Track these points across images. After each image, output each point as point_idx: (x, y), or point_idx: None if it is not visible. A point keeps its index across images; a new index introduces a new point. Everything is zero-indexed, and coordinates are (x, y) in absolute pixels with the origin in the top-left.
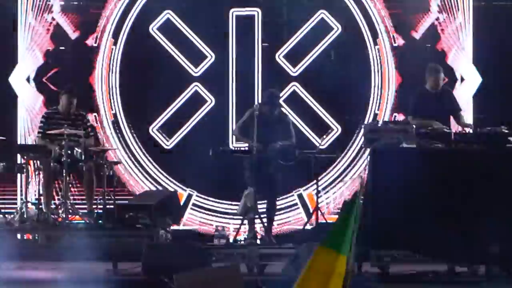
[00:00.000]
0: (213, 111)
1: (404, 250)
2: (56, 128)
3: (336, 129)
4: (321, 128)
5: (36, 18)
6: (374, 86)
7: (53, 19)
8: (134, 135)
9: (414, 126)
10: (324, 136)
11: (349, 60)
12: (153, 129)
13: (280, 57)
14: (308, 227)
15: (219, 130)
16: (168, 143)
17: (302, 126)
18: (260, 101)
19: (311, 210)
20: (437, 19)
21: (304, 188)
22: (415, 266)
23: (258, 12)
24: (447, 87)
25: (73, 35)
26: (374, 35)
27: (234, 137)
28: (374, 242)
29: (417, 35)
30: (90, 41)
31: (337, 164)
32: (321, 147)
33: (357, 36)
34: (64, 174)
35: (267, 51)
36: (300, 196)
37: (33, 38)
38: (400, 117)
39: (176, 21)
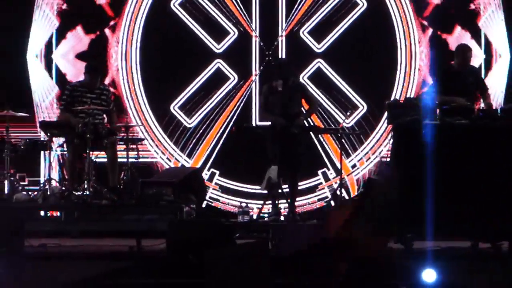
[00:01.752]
0: (236, 88)
1: (427, 227)
2: (80, 102)
3: (362, 107)
4: (347, 106)
5: None
6: (400, 63)
7: None
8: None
9: (440, 104)
10: (348, 113)
11: (375, 36)
12: (175, 107)
13: (304, 33)
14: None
15: (242, 107)
16: (190, 121)
17: (327, 104)
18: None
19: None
20: None
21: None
22: (439, 243)
23: None
24: (474, 67)
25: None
26: (399, 11)
27: (260, 117)
28: (398, 218)
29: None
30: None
31: (364, 143)
32: (345, 124)
33: (382, 11)
34: (88, 151)
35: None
36: (324, 174)
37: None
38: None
39: None
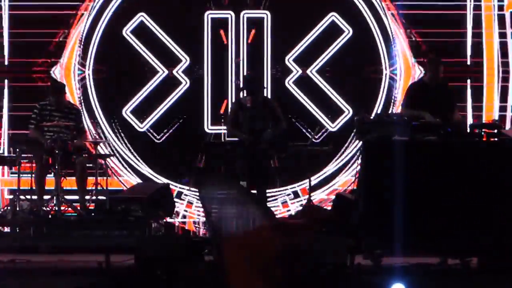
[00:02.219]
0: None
1: (396, 243)
2: (48, 120)
3: (348, 112)
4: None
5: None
6: (383, 89)
7: None
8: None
9: (406, 118)
10: (317, 129)
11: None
12: (126, 112)
13: (289, 60)
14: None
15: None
16: (142, 126)
17: (313, 109)
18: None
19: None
20: None
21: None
22: (407, 259)
23: (267, 15)
24: (447, 80)
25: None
26: (386, 36)
27: (227, 134)
28: (367, 235)
29: None
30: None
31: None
32: (314, 140)
33: (368, 39)
34: (56, 167)
35: (276, 54)
36: (295, 193)
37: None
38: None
39: (150, 24)
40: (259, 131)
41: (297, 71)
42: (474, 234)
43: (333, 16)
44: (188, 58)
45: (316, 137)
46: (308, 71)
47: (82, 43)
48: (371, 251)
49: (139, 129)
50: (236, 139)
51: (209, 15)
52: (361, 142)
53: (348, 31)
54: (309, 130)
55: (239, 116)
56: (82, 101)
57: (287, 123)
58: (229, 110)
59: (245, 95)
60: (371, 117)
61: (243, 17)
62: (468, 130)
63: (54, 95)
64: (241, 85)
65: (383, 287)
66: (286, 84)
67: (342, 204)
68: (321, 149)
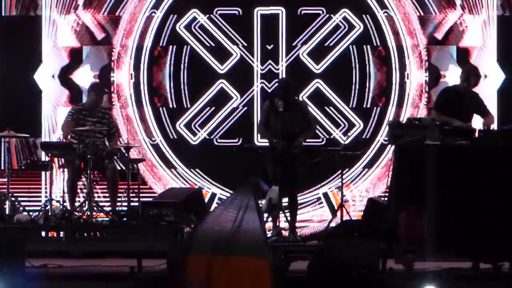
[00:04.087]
0: (238, 107)
1: (429, 247)
2: (81, 125)
3: (359, 125)
4: (345, 125)
5: (61, 14)
6: (395, 83)
7: (78, 17)
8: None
9: (437, 122)
10: (349, 133)
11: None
12: (180, 125)
13: (303, 54)
14: (333, 224)
15: (245, 126)
16: (194, 139)
17: (327, 123)
18: (274, 95)
19: (335, 207)
20: (461, 16)
21: (329, 186)
22: (439, 263)
23: (282, 11)
24: (476, 92)
25: (99, 35)
26: (396, 34)
27: (259, 135)
28: (399, 239)
29: (439, 34)
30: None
31: (361, 161)
32: (345, 143)
33: (379, 34)
34: (88, 172)
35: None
36: (325, 195)
37: (58, 36)
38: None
39: (202, 19)
40: (292, 135)
41: (312, 87)
42: (506, 239)
43: (345, 12)
44: (238, 52)
45: (348, 141)
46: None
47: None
48: (403, 255)
49: (192, 142)
50: (267, 143)
51: (258, 10)
52: (393, 146)
53: (359, 27)
54: (342, 133)
55: (270, 117)
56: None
57: (316, 126)
58: (261, 110)
59: (278, 97)
60: (403, 121)
61: (257, 13)
62: (499, 135)
63: (94, 93)
64: (275, 89)
65: None
66: (297, 98)
67: (374, 209)
68: (354, 153)
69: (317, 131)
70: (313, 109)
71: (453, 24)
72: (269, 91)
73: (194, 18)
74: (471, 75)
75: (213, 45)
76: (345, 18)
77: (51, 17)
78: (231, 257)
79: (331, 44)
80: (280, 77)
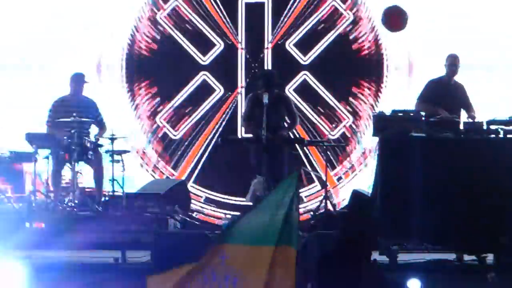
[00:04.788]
0: (221, 100)
1: (413, 239)
2: (65, 116)
3: (347, 119)
4: (332, 118)
5: None
6: (386, 75)
7: None
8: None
9: (423, 114)
10: (334, 125)
11: (360, 48)
12: (160, 119)
13: (290, 45)
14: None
15: (228, 119)
16: (175, 134)
17: (313, 116)
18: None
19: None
20: None
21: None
22: (423, 255)
23: (268, 0)
24: (460, 82)
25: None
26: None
27: (243, 129)
28: (383, 231)
29: None
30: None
31: (349, 154)
32: (330, 136)
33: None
34: (73, 163)
35: (277, 39)
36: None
37: None
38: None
39: (184, 8)
40: (275, 127)
41: (299, 79)
42: (490, 231)
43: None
44: (222, 43)
45: (333, 133)
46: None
47: None
48: (387, 247)
49: (173, 137)
50: (251, 135)
51: (243, 0)
52: (377, 138)
53: (348, 16)
54: (326, 125)
55: (255, 110)
56: None
57: (300, 119)
58: (245, 104)
59: (262, 90)
60: (388, 113)
61: (241, 2)
62: (485, 127)
63: (75, 83)
64: (259, 81)
65: (399, 283)
66: (287, 91)
67: (358, 200)
68: (338, 145)
69: (305, 124)
70: (300, 102)
71: None
72: (254, 83)
73: (176, 8)
74: (457, 62)
75: (196, 35)
76: (333, 8)
77: None
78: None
79: (319, 35)
80: (266, 68)
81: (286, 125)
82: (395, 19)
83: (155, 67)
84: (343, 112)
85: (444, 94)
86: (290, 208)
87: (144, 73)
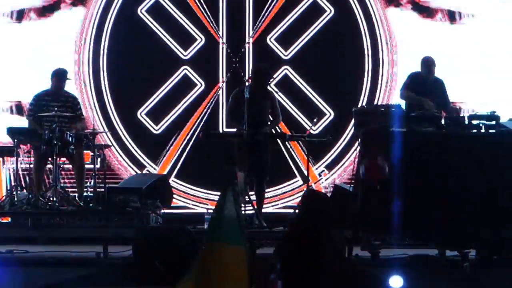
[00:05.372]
0: (202, 95)
1: (394, 234)
2: (46, 110)
3: (329, 114)
4: (314, 113)
5: None
6: (368, 70)
7: None
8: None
9: (404, 108)
10: (315, 120)
11: (342, 43)
12: (141, 114)
13: (271, 39)
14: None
15: (209, 114)
16: (157, 128)
17: (294, 111)
18: (249, 81)
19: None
20: None
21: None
22: (405, 250)
23: None
24: (439, 79)
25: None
26: (368, 18)
27: (225, 123)
28: (364, 226)
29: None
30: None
31: (331, 150)
32: (312, 131)
33: (350, 18)
34: (54, 157)
35: (258, 34)
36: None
37: None
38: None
39: (165, 2)
40: (259, 122)
41: (280, 74)
42: (472, 226)
43: None
44: (203, 38)
45: (315, 128)
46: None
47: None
48: (369, 242)
49: (154, 132)
50: (234, 130)
51: None
52: (359, 133)
53: (330, 11)
54: (308, 120)
55: (239, 105)
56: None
57: (282, 117)
58: (230, 98)
59: (248, 85)
60: (369, 108)
61: None
62: (466, 122)
63: (56, 79)
64: (247, 76)
65: (381, 278)
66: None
67: (340, 195)
68: (320, 140)
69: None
70: (281, 97)
71: None
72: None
73: (157, 2)
74: (433, 64)
75: (177, 30)
76: (315, 2)
77: None
78: (214, 243)
79: (300, 29)
80: (248, 63)
81: (270, 121)
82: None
83: (136, 62)
84: (324, 107)
85: (423, 89)
86: (232, 208)
87: (124, 68)
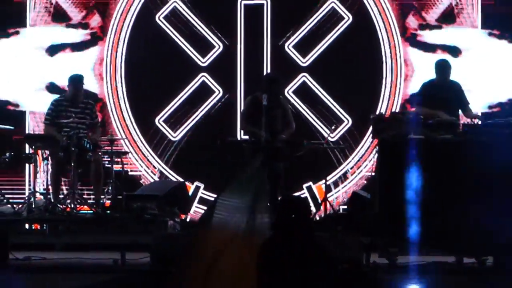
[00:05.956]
0: (220, 102)
1: (412, 241)
2: (64, 116)
3: (347, 121)
4: (331, 120)
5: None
6: (386, 77)
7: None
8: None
9: (421, 116)
10: (334, 128)
11: (360, 50)
12: (159, 121)
13: (289, 47)
14: (317, 218)
15: (227, 121)
16: (175, 135)
17: (312, 118)
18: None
19: (319, 201)
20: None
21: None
22: (423, 257)
23: (267, 2)
24: (455, 82)
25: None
26: (385, 25)
27: (242, 130)
28: (382, 233)
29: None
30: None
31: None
32: (330, 138)
33: (368, 26)
34: (72, 164)
35: (276, 41)
36: (309, 188)
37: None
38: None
39: (183, 10)
40: (274, 131)
41: (298, 81)
42: (489, 233)
43: (332, 3)
44: (221, 45)
45: (332, 135)
46: (306, 59)
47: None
48: (386, 249)
49: (172, 138)
50: (248, 137)
51: (242, 1)
52: (376, 141)
53: (348, 18)
54: (326, 127)
55: (254, 112)
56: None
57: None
58: (245, 105)
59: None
60: (387, 116)
61: (241, 4)
62: (483, 128)
63: (73, 87)
64: (263, 84)
65: (398, 285)
66: (286, 94)
67: (358, 202)
68: (338, 147)
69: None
70: (299, 104)
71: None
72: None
73: (175, 9)
74: (448, 67)
75: (195, 37)
76: (333, 9)
77: None
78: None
79: (318, 36)
80: (265, 70)
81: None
82: None
83: (154, 69)
84: (342, 114)
85: (440, 97)
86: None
87: (143, 75)
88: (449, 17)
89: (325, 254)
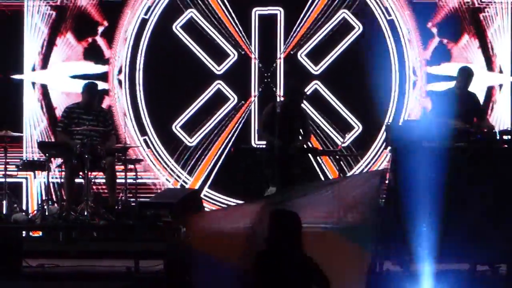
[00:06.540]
0: (235, 109)
1: (426, 249)
2: (77, 123)
3: (357, 127)
4: (343, 127)
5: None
6: (395, 84)
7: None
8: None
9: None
10: (347, 134)
11: (370, 58)
12: (176, 127)
13: (302, 55)
14: None
15: (241, 128)
16: (191, 141)
17: (324, 125)
18: (282, 98)
19: None
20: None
21: None
22: (436, 265)
23: (280, 11)
24: (472, 92)
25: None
26: (396, 34)
27: (257, 135)
28: (396, 240)
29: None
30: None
31: (359, 163)
32: (343, 145)
33: (378, 35)
34: (85, 171)
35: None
36: None
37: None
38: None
39: (199, 19)
40: (291, 138)
41: (310, 89)
42: (503, 241)
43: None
44: (236, 53)
45: (344, 141)
46: (319, 68)
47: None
48: (400, 256)
49: (188, 144)
50: (264, 145)
51: (257, 11)
52: (390, 148)
53: (358, 28)
54: (338, 134)
55: (272, 120)
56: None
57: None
58: (264, 112)
59: (281, 101)
60: (400, 123)
61: (255, 13)
62: (498, 137)
63: (87, 94)
64: (278, 91)
65: None
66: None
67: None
68: (351, 154)
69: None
70: (311, 111)
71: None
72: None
73: (191, 18)
74: (471, 75)
75: (210, 45)
76: (344, 19)
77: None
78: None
79: (330, 45)
80: (279, 78)
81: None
82: None
83: (171, 76)
84: (354, 122)
85: (456, 106)
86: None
87: (160, 82)
88: None
89: (316, 269)
